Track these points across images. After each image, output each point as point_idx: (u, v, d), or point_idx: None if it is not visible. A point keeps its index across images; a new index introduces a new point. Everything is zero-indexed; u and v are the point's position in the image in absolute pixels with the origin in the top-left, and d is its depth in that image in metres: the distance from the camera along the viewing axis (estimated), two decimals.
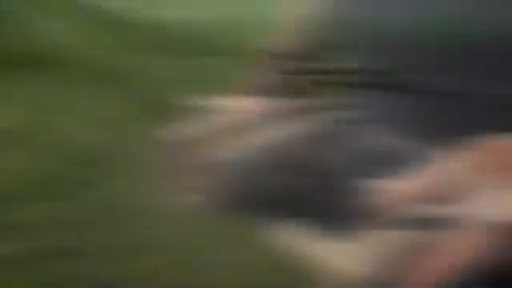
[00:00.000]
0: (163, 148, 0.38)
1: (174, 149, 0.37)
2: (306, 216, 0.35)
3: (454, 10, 0.44)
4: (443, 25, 0.45)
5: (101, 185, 2.21)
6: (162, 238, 1.85)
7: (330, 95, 0.58)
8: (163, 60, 4.30)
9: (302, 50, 0.58)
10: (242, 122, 0.41)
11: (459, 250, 0.28)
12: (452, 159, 0.31)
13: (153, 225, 1.92)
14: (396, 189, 0.31)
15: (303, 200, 0.39)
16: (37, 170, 2.30)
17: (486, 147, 0.31)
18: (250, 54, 0.59)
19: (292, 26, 0.61)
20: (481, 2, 0.42)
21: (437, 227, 0.34)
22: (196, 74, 3.89)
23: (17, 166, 2.35)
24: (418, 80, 0.48)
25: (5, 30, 5.47)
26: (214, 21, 6.12)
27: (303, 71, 0.59)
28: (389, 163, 0.50)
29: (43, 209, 2.01)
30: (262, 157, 0.37)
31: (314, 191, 0.40)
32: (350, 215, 0.35)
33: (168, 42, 5.04)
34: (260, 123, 0.41)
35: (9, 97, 3.33)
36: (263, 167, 0.38)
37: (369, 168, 0.43)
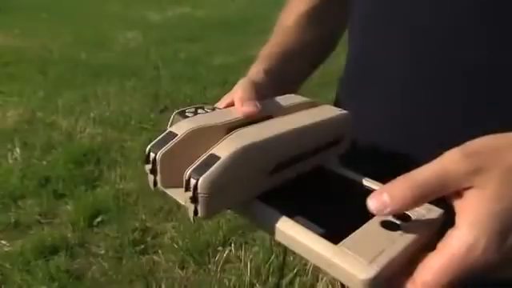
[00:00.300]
0: (163, 143, 0.37)
1: (173, 145, 0.36)
2: (307, 214, 0.35)
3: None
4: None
5: (103, 183, 2.21)
6: (164, 237, 1.85)
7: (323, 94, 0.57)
8: (168, 58, 4.31)
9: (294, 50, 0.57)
10: (238, 119, 0.40)
11: (456, 249, 0.28)
12: (442, 159, 0.30)
13: (154, 223, 1.92)
14: (394, 188, 0.30)
15: (304, 198, 0.38)
16: (42, 168, 2.31)
17: (471, 148, 0.30)
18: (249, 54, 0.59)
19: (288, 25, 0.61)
20: None
21: (435, 227, 0.34)
22: (199, 73, 3.89)
23: (20, 165, 2.36)
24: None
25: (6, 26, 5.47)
26: (216, 19, 6.12)
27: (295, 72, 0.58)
28: (384, 162, 0.50)
29: (47, 207, 2.01)
30: (259, 155, 0.36)
31: (313, 190, 0.40)
32: (351, 214, 0.35)
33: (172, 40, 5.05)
34: (256, 121, 0.39)
35: (10, 95, 3.33)
36: (260, 165, 0.36)
37: (366, 167, 0.43)
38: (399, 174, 0.31)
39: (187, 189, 0.33)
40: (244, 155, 0.34)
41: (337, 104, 0.60)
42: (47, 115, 2.99)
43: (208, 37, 5.18)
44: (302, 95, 0.47)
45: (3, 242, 1.80)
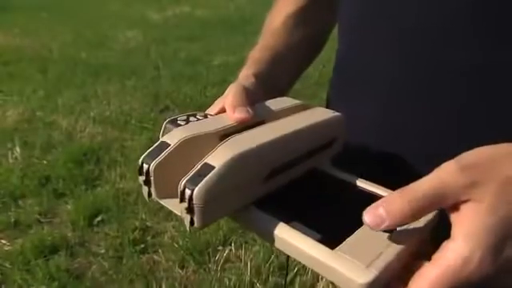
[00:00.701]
0: (156, 154, 0.36)
1: (167, 155, 0.36)
2: (303, 219, 0.35)
3: None
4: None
5: (103, 182, 2.21)
6: (164, 236, 1.85)
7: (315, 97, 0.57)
8: (169, 57, 4.31)
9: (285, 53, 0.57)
10: (231, 126, 0.40)
11: (452, 261, 0.28)
12: (439, 173, 0.30)
13: (154, 222, 1.92)
14: (391, 203, 0.30)
15: (299, 202, 0.38)
16: (42, 168, 2.31)
17: (467, 160, 0.30)
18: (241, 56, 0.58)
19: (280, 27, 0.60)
20: None
21: (430, 228, 0.34)
22: (199, 72, 3.89)
23: (21, 164, 2.36)
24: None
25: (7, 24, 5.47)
26: (216, 19, 6.11)
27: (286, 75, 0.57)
28: (373, 163, 0.50)
29: (47, 206, 2.01)
30: (254, 162, 0.35)
31: (308, 193, 0.40)
32: (347, 217, 0.34)
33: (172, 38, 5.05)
34: (249, 127, 0.39)
35: (9, 94, 3.33)
36: (255, 172, 0.36)
37: (355, 167, 0.43)
38: (388, 175, 0.31)
39: (182, 199, 0.33)
40: (238, 163, 0.34)
41: (328, 104, 0.60)
42: (47, 114, 2.99)
43: (208, 36, 5.18)
44: (299, 96, 0.47)
45: (3, 241, 1.80)
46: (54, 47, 4.65)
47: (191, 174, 0.33)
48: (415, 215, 0.30)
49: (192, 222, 0.33)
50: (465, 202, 0.29)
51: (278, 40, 0.58)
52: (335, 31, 0.60)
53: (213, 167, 0.33)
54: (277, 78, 0.54)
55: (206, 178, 0.32)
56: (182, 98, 3.27)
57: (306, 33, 0.60)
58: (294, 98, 0.48)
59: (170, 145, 0.36)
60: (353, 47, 0.53)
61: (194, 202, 0.32)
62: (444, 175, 0.30)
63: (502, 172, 0.29)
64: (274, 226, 0.34)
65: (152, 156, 0.36)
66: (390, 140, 0.49)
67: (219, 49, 4.60)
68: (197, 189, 0.32)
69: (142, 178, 0.36)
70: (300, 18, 0.60)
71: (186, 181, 0.33)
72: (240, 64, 0.54)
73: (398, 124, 0.48)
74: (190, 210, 0.32)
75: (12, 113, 3.00)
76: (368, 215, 0.30)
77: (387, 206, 0.30)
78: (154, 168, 0.35)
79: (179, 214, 0.34)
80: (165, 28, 5.66)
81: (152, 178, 0.36)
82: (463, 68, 0.43)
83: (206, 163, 0.33)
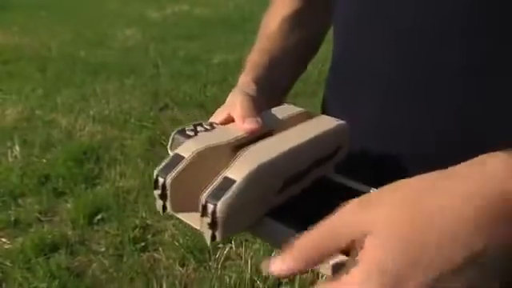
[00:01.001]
0: (171, 167, 0.35)
1: (182, 168, 0.35)
2: (308, 225, 0.35)
3: None
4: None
5: (103, 181, 2.21)
6: (164, 234, 1.85)
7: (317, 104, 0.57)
8: (168, 57, 4.30)
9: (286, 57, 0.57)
10: (242, 137, 0.40)
11: None
12: (340, 212, 0.30)
13: (154, 220, 1.93)
14: (295, 250, 0.29)
15: (314, 212, 0.38)
16: (41, 167, 2.31)
17: (367, 198, 0.30)
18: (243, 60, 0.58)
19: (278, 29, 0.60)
20: None
21: None
22: (198, 70, 3.89)
23: (20, 163, 2.36)
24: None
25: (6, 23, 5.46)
26: (215, 17, 6.11)
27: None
28: (370, 165, 0.50)
29: (47, 205, 2.02)
30: (271, 174, 0.35)
31: (320, 202, 0.39)
32: None
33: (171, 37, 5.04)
34: (259, 137, 0.39)
35: (8, 93, 3.33)
36: (272, 184, 0.36)
37: (352, 169, 0.43)
38: (384, 175, 0.31)
39: (204, 214, 0.32)
40: (257, 175, 0.34)
41: (324, 104, 0.60)
42: (46, 113, 2.99)
43: (207, 35, 5.18)
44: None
45: (3, 239, 1.81)
46: (53, 46, 4.64)
47: (212, 188, 0.33)
48: (322, 256, 0.29)
49: (214, 237, 0.33)
50: (364, 237, 0.28)
51: (274, 44, 0.58)
52: (332, 31, 0.60)
53: (233, 181, 0.33)
54: (274, 83, 0.54)
55: (229, 193, 0.32)
56: (182, 97, 3.27)
57: (302, 35, 0.60)
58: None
59: (184, 157, 0.36)
60: (349, 48, 0.53)
61: (218, 215, 0.32)
62: (342, 213, 0.30)
63: (394, 203, 0.29)
64: (280, 231, 0.34)
65: (167, 170, 0.36)
66: (387, 140, 0.49)
67: (219, 47, 4.60)
68: (220, 203, 0.32)
69: (157, 192, 0.36)
70: (295, 20, 0.60)
71: (208, 195, 0.32)
72: (240, 63, 0.54)
73: (395, 124, 0.48)
74: (213, 225, 0.32)
75: (11, 111, 3.00)
76: (273, 266, 0.29)
77: (292, 253, 0.29)
78: (171, 182, 0.35)
79: (198, 227, 0.33)
80: (164, 26, 5.65)
81: (168, 192, 0.35)
82: (460, 68, 0.43)
83: (226, 177, 0.33)
